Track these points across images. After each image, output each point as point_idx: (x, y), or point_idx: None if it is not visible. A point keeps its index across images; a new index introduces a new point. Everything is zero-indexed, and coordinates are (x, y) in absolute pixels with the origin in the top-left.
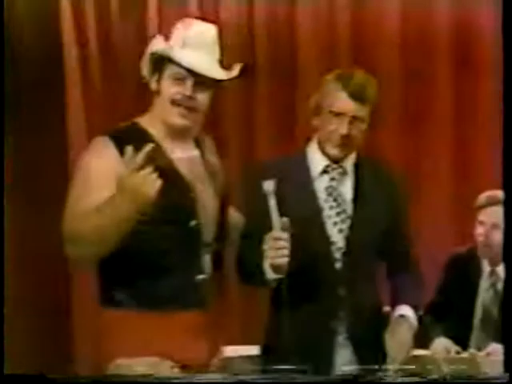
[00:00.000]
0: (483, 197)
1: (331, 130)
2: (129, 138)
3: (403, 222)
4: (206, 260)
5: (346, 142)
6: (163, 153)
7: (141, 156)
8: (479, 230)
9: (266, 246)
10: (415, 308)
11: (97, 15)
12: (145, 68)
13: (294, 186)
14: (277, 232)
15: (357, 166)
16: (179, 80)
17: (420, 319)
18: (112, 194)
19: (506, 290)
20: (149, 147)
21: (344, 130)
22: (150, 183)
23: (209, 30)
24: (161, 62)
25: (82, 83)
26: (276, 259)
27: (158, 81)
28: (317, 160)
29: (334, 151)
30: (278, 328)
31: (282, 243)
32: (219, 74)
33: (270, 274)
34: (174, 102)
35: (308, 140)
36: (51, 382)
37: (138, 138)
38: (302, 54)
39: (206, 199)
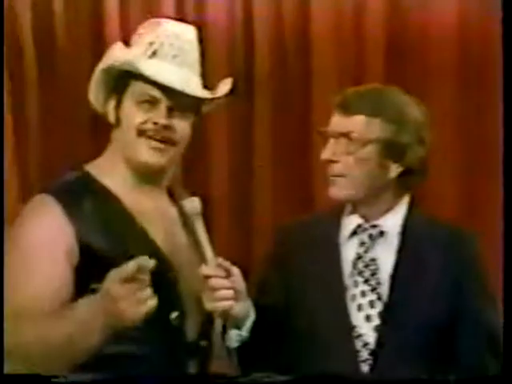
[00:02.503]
0: None
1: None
2: (78, 195)
3: (477, 309)
4: (192, 366)
5: (338, 174)
6: (127, 214)
7: (132, 265)
8: None
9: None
10: None
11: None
12: (95, 91)
13: (319, 253)
14: (208, 268)
15: (404, 226)
16: (148, 103)
17: None
18: (78, 306)
19: (506, 290)
20: (151, 263)
21: (325, 153)
22: (138, 301)
23: (186, 33)
24: (121, 79)
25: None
26: (212, 303)
27: (118, 107)
28: (349, 218)
29: (333, 193)
30: None
31: (217, 282)
32: (204, 92)
33: (229, 339)
34: (142, 134)
35: None
36: (51, 381)
37: (91, 195)
38: (317, 66)
39: (189, 278)
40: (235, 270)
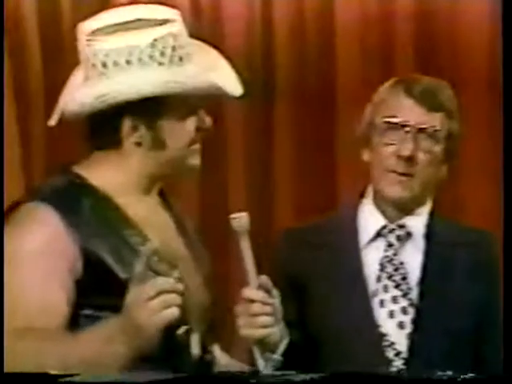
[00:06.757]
0: None
1: (388, 155)
2: (75, 201)
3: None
4: None
5: (410, 173)
6: (127, 222)
7: (157, 283)
8: None
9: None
10: None
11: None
12: None
13: (337, 258)
14: (250, 291)
15: (429, 227)
16: None
17: None
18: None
19: (506, 290)
20: (175, 275)
21: (407, 149)
22: (159, 313)
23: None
24: None
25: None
26: (250, 330)
27: None
28: (369, 220)
29: (393, 191)
30: None
31: (259, 308)
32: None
33: (262, 364)
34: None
35: (361, 195)
36: (52, 380)
37: (89, 201)
38: (343, 72)
39: (191, 288)
40: (275, 292)
